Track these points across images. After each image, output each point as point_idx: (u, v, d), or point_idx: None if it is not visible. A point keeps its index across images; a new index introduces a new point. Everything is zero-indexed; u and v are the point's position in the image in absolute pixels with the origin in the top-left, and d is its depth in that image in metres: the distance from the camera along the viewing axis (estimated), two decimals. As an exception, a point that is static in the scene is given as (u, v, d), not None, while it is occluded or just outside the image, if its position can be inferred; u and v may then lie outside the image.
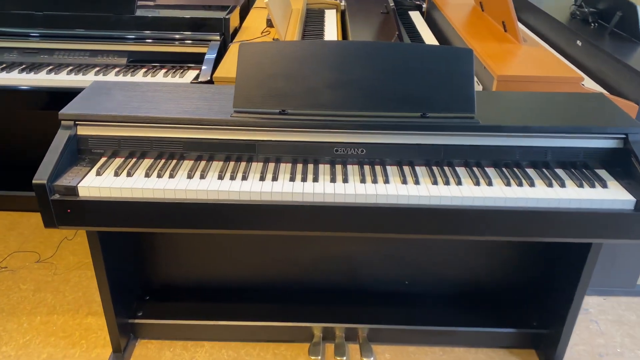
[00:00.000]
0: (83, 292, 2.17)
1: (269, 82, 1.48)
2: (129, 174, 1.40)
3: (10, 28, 2.17)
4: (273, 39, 2.27)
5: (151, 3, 2.59)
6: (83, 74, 2.06)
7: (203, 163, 1.47)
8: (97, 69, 2.11)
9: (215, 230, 1.38)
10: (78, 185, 1.34)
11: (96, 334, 1.98)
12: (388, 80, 1.48)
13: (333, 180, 1.40)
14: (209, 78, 2.00)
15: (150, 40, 2.17)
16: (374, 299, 1.94)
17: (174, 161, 1.48)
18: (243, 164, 1.48)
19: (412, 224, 1.36)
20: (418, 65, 1.49)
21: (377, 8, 2.82)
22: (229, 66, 1.98)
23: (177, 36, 2.17)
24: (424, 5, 3.16)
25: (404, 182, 1.40)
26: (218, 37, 2.17)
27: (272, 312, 1.89)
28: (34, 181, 1.31)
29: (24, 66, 2.13)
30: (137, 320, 1.87)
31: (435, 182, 1.40)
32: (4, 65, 2.13)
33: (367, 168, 1.47)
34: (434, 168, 1.47)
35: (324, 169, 1.47)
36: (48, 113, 2.12)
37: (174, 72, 2.09)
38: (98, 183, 1.36)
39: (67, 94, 2.02)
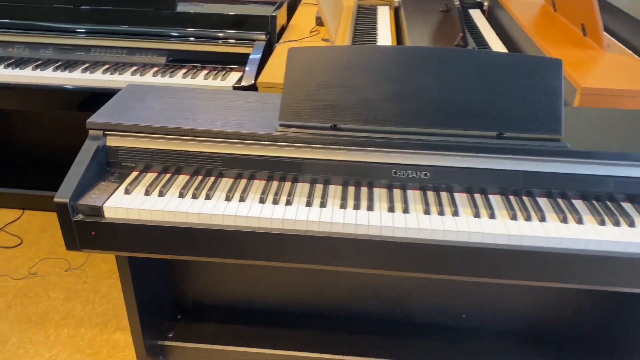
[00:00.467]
0: (113, 304, 2.05)
1: (320, 92, 1.29)
2: (160, 194, 1.24)
3: (47, 22, 2.06)
4: (322, 39, 2.09)
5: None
6: (119, 74, 1.93)
7: (243, 182, 1.30)
8: (135, 68, 1.97)
9: (255, 262, 1.21)
10: (104, 206, 1.20)
11: (124, 352, 1.85)
12: (459, 92, 1.27)
13: (391, 209, 1.21)
14: (252, 82, 1.83)
15: (191, 39, 2.01)
16: (426, 332, 1.74)
17: (211, 179, 1.31)
18: (287, 184, 1.30)
19: (487, 266, 1.15)
20: (495, 76, 1.27)
21: (435, 6, 2.59)
22: (274, 70, 1.81)
23: (219, 34, 2.01)
24: (485, 3, 2.91)
25: (476, 214, 1.19)
26: (263, 37, 2.00)
27: (313, 341, 1.71)
28: (55, 199, 1.17)
29: (59, 63, 2.01)
30: (167, 343, 1.73)
31: (514, 217, 1.18)
32: (40, 62, 2.02)
33: (431, 195, 1.26)
34: (511, 198, 1.25)
35: (380, 194, 1.27)
36: (83, 113, 2.01)
37: (215, 74, 1.93)
38: (126, 203, 1.20)
39: (102, 95, 1.90)
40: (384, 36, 2.35)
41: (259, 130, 1.29)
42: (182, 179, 1.31)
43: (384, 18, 2.66)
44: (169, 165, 1.33)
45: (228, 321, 1.78)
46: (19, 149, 2.59)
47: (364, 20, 2.59)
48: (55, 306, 2.03)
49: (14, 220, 2.49)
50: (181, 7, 2.07)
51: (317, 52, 1.31)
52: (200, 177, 1.32)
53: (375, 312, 1.74)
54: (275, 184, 1.30)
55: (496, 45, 2.24)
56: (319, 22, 2.22)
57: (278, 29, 2.11)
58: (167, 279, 1.74)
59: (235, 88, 1.84)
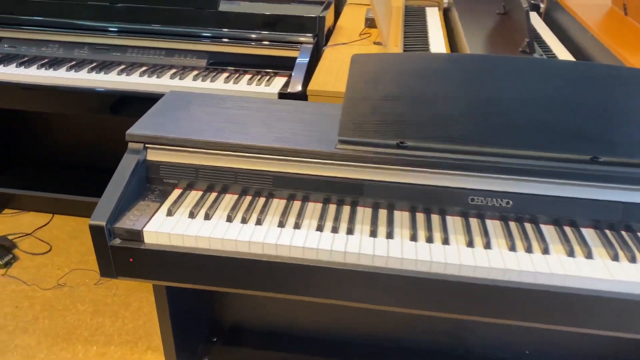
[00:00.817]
0: (144, 320, 1.93)
1: (386, 105, 1.14)
2: (206, 216, 1.11)
3: (83, 21, 1.95)
4: (374, 43, 1.93)
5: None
6: (157, 77, 1.80)
7: (296, 205, 1.15)
8: (173, 71, 1.85)
9: (314, 299, 1.06)
10: (144, 230, 1.06)
11: (155, 375, 1.73)
12: (547, 109, 1.10)
13: (470, 243, 1.05)
14: (299, 89, 1.69)
15: (233, 40, 1.88)
16: (485, 368, 1.57)
17: (261, 199, 1.17)
18: (346, 209, 1.15)
19: (586, 316, 0.98)
20: (590, 91, 1.10)
21: (490, 7, 2.41)
22: (324, 76, 1.66)
23: (263, 36, 1.87)
24: (542, 5, 2.71)
25: (570, 252, 1.02)
26: (311, 39, 1.86)
27: (358, 374, 1.56)
28: (91, 222, 1.05)
29: (94, 64, 1.90)
30: (202, 368, 1.60)
31: (615, 257, 1.01)
32: (74, 62, 1.92)
33: (514, 227, 1.10)
34: (608, 233, 1.08)
35: (454, 224, 1.11)
36: (117, 116, 1.90)
37: (259, 79, 1.79)
38: (168, 228, 1.07)
39: (138, 99, 1.78)
40: (437, 40, 2.18)
41: (315, 147, 1.15)
42: (229, 199, 1.17)
43: (434, 20, 2.49)
44: (214, 183, 1.19)
45: (267, 347, 1.64)
46: (50, 151, 2.51)
47: (413, 22, 2.42)
48: (84, 320, 1.93)
49: (44, 225, 2.40)
50: (223, 7, 1.94)
51: (384, 60, 1.16)
52: (249, 197, 1.18)
53: (428, 345, 1.59)
54: (332, 207, 1.15)
55: (561, 52, 2.05)
56: (369, 23, 2.07)
57: (325, 30, 1.97)
58: (204, 300, 1.61)
59: (281, 95, 1.70)
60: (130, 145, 1.17)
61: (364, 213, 1.14)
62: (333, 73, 1.67)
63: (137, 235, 1.07)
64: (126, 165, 1.14)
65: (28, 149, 2.52)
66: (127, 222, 1.08)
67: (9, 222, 2.42)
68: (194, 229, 1.07)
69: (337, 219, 1.10)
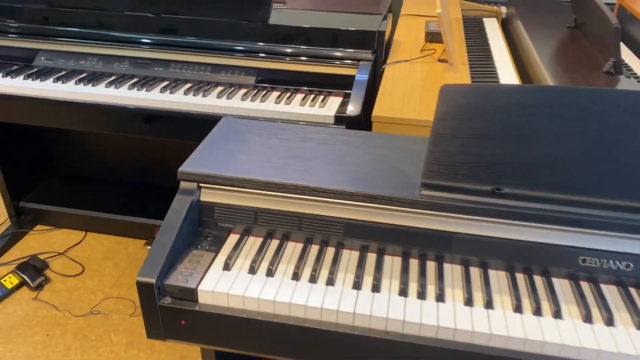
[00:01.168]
0: (181, 354, 1.80)
1: (481, 144, 0.97)
2: (269, 272, 0.95)
3: (123, 33, 1.82)
4: (438, 60, 1.76)
5: (281, 6, 2.16)
6: (203, 95, 1.66)
7: (371, 259, 0.99)
8: (220, 89, 1.71)
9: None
10: (198, 288, 0.91)
11: (194, 420, 1.59)
12: (677, 155, 0.92)
13: (588, 317, 0.87)
14: (359, 111, 1.53)
15: (284, 56, 1.73)
16: None
17: (331, 250, 1.01)
18: (430, 265, 0.98)
19: None
20: None
21: (558, 20, 2.21)
22: (389, 99, 1.49)
23: (318, 52, 1.72)
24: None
25: None
26: (370, 55, 1.69)
27: None
28: (139, 278, 0.90)
29: (135, 80, 1.77)
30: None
31: None
32: (114, 77, 1.79)
33: (635, 295, 0.92)
34: None
35: (563, 288, 0.93)
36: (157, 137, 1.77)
37: (312, 99, 1.64)
38: (227, 286, 0.92)
39: (183, 119, 1.64)
40: (501, 57, 2.00)
41: (395, 192, 0.98)
42: (292, 248, 1.02)
43: (494, 33, 2.30)
44: (276, 229, 1.04)
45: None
46: (85, 165, 2.40)
47: (472, 35, 2.24)
48: (118, 353, 1.80)
49: (76, 244, 2.29)
50: (274, 19, 1.79)
51: (479, 92, 0.99)
52: (315, 247, 1.02)
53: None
54: (414, 264, 0.99)
55: (644, 71, 1.84)
56: (430, 38, 1.89)
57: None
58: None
59: (338, 118, 1.54)
60: (183, 184, 1.03)
61: (452, 272, 0.97)
62: (398, 95, 1.50)
63: (191, 294, 0.92)
64: (178, 209, 0.99)
65: (62, 163, 2.41)
66: (179, 277, 0.93)
67: (41, 239, 2.32)
68: (256, 289, 0.91)
69: (421, 280, 0.94)
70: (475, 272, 0.97)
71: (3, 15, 1.88)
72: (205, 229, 1.05)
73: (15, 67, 1.86)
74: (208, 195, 1.04)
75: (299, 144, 1.14)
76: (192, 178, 1.03)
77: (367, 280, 0.95)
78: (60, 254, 2.24)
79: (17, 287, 2.04)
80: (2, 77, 1.77)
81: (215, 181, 1.02)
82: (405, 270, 0.96)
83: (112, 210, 2.27)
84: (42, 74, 1.78)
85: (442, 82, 1.60)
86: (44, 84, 1.72)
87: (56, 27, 1.87)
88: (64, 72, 1.81)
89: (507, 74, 1.84)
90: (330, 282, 0.94)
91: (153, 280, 0.90)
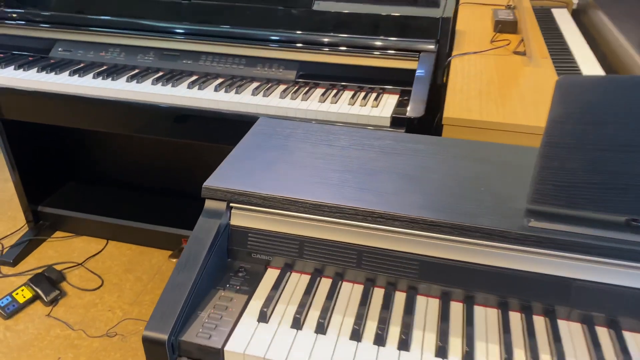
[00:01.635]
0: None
1: (612, 160, 0.70)
2: (320, 328, 0.70)
3: (148, 21, 1.61)
4: (513, 52, 1.48)
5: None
6: (236, 92, 1.43)
7: (457, 310, 0.74)
8: (256, 85, 1.47)
9: None
10: (225, 349, 0.67)
11: None
12: None
13: None
14: (422, 112, 1.27)
15: (330, 47, 1.48)
16: None
17: (401, 297, 0.76)
18: (540, 323, 0.72)
19: None
20: None
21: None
22: (462, 98, 1.22)
23: (369, 42, 1.46)
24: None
25: None
26: (432, 46, 1.43)
27: None
28: (146, 332, 0.67)
29: (160, 74, 1.56)
30: None
31: None
32: (137, 70, 1.58)
33: None
34: None
35: None
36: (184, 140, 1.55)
37: (363, 97, 1.39)
38: (262, 348, 0.67)
39: (213, 119, 1.42)
40: (580, 50, 1.71)
41: (491, 222, 0.72)
42: (349, 291, 0.77)
43: (567, 25, 2.00)
44: (327, 264, 0.79)
45: None
46: (108, 170, 2.21)
47: (542, 27, 1.95)
48: (136, 381, 1.59)
49: (96, 254, 2.10)
50: (318, 5, 1.55)
51: (616, 86, 0.72)
52: (379, 291, 0.77)
53: None
54: (516, 319, 0.72)
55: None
56: (501, 27, 1.61)
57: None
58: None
59: (395, 120, 1.29)
60: (209, 204, 0.79)
61: (571, 333, 0.70)
62: (472, 93, 1.24)
63: (215, 356, 0.68)
64: (202, 237, 0.76)
65: (84, 166, 2.23)
66: (201, 332, 0.69)
67: (59, 247, 2.14)
68: (303, 353, 0.67)
69: (532, 339, 0.67)
70: (603, 333, 0.70)
71: (18, 2, 1.70)
72: (236, 262, 0.81)
73: (30, 58, 1.67)
74: (240, 219, 0.80)
75: (356, 153, 0.89)
76: (221, 196, 0.79)
77: (455, 344, 0.69)
78: (78, 264, 2.05)
79: (30, 302, 1.86)
80: (14, 69, 1.59)
81: (250, 200, 0.78)
82: (506, 329, 0.70)
83: (136, 217, 2.07)
84: (57, 66, 1.59)
85: (523, 77, 1.33)
86: (58, 77, 1.53)
87: (76, 15, 1.67)
88: (82, 65, 1.61)
89: (591, 70, 1.55)
90: (404, 345, 0.68)
91: (165, 337, 0.66)
